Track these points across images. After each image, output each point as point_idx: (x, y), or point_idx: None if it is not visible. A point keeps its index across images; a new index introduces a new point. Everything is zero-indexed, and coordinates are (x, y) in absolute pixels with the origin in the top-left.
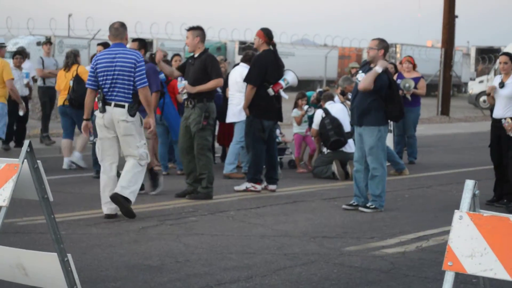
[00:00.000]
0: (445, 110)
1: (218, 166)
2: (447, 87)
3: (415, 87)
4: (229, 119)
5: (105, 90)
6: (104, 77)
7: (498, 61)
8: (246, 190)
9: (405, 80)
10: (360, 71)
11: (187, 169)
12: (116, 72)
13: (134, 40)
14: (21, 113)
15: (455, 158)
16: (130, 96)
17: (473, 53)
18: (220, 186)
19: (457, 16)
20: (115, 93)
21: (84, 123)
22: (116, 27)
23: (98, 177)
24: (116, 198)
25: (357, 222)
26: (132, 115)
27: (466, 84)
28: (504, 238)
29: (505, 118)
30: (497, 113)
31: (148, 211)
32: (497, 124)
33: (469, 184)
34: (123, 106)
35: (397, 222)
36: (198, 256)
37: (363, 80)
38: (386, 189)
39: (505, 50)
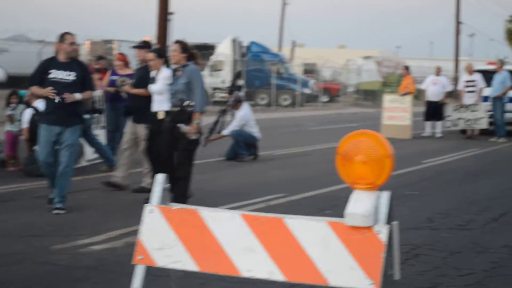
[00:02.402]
0: None
1: None
2: None
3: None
4: None
5: None
6: None
7: None
8: None
9: (121, 78)
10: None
11: None
12: None
13: None
14: None
15: None
16: None
17: None
18: None
19: (172, 13)
20: None
21: None
22: None
23: None
24: None
25: (67, 219)
26: None
27: None
28: (193, 229)
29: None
30: (153, 107)
31: None
32: (153, 118)
33: (159, 178)
34: None
35: (107, 219)
36: None
37: None
38: (94, 187)
39: (219, 46)
